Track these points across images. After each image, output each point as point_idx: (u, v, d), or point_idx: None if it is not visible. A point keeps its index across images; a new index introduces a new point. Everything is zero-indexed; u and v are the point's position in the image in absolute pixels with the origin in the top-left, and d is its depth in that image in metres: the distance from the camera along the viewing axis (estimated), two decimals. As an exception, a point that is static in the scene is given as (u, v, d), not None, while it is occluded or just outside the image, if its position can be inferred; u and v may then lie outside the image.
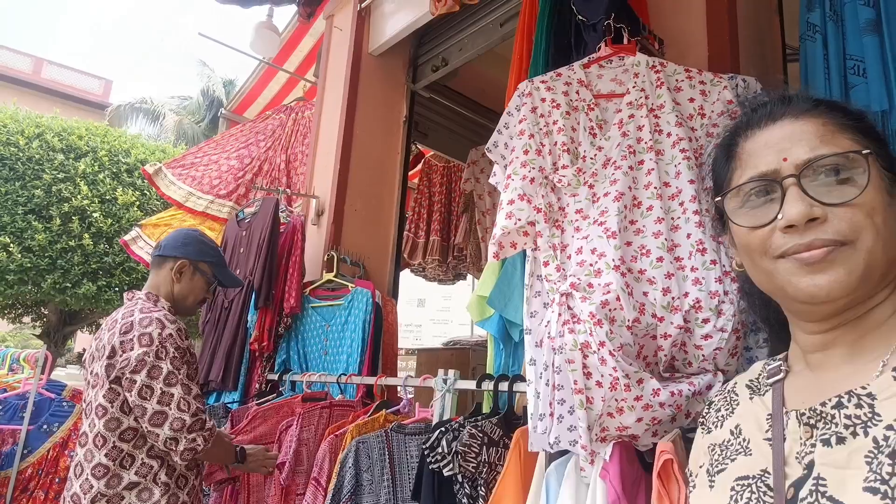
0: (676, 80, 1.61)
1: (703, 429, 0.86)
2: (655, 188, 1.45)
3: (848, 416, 0.62)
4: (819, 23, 1.65)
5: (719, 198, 0.74)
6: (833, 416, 0.63)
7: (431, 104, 4.27)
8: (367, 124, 3.61)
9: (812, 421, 0.66)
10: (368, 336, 2.96)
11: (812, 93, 0.73)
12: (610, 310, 1.32)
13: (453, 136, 4.69)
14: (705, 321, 1.33)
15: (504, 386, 1.83)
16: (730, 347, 1.35)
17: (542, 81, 1.67)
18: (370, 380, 2.44)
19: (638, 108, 1.57)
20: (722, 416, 0.82)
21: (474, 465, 1.69)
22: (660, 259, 1.37)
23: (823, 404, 0.65)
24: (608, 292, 1.33)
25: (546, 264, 1.45)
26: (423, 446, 1.81)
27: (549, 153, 1.57)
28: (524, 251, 1.53)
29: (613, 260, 1.35)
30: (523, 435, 1.59)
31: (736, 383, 0.86)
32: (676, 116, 1.54)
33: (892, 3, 1.55)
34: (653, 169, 1.48)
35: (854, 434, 0.60)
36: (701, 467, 0.80)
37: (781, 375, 0.75)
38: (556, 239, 1.47)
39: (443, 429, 1.81)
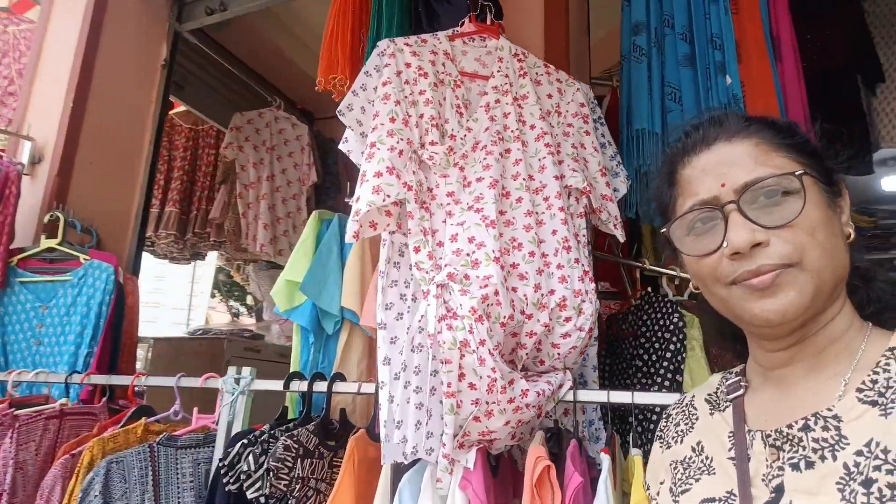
0: (536, 73, 1.59)
1: (661, 443, 0.84)
2: (524, 180, 1.39)
3: (815, 440, 0.62)
4: (645, 47, 1.81)
5: (664, 229, 0.74)
6: (800, 439, 0.63)
7: (196, 54, 3.65)
8: (114, 58, 2.88)
9: (778, 443, 0.66)
10: (106, 322, 2.34)
11: (742, 113, 0.75)
12: (488, 305, 1.21)
13: (214, 96, 4.09)
14: (567, 319, 1.32)
15: (321, 387, 1.57)
16: (581, 346, 1.36)
17: (407, 44, 1.49)
18: (123, 379, 1.91)
19: (503, 94, 1.50)
20: (681, 430, 0.81)
21: (287, 482, 1.42)
22: (531, 254, 1.31)
23: (790, 426, 0.65)
24: (486, 286, 1.22)
25: (417, 250, 1.27)
26: (220, 463, 1.46)
27: (416, 125, 1.39)
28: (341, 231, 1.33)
29: (493, 251, 1.25)
30: (358, 444, 1.39)
31: (694, 396, 0.84)
32: (539, 109, 1.51)
33: (702, 42, 1.77)
34: (520, 160, 1.42)
35: (822, 458, 0.61)
36: (662, 484, 0.79)
37: (741, 392, 0.75)
38: (427, 222, 1.31)
39: (245, 441, 1.48)
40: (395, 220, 1.31)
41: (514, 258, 1.31)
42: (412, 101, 1.41)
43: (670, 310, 1.64)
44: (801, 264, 0.63)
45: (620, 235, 1.48)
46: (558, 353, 1.33)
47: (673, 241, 0.73)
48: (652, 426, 1.54)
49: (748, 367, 0.79)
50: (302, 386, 1.60)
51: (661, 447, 0.84)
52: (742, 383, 0.77)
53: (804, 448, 0.63)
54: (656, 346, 1.63)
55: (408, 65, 1.45)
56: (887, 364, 0.63)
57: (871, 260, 0.75)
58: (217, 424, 1.72)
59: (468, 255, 1.25)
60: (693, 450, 0.77)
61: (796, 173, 0.65)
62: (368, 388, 1.48)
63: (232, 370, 1.73)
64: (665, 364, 1.56)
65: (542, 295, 1.29)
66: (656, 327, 1.64)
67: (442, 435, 1.22)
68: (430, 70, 1.46)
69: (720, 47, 1.74)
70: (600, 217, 1.48)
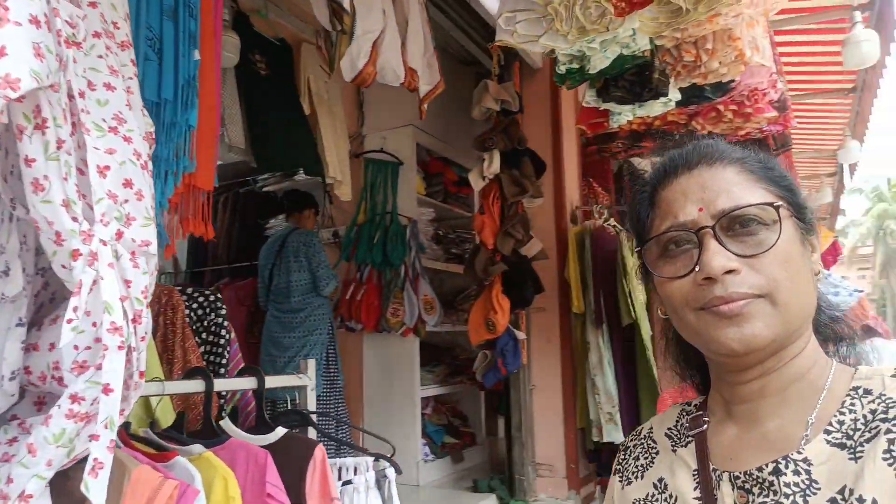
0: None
1: (620, 478, 0.81)
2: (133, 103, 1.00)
3: (787, 484, 0.61)
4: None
5: (639, 248, 0.73)
6: (771, 483, 0.63)
7: None
8: None
9: (747, 485, 0.65)
10: None
11: (723, 141, 0.75)
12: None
13: None
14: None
15: None
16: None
17: None
18: None
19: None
20: (641, 465, 0.79)
21: None
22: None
23: (760, 469, 0.64)
24: (136, 254, 0.86)
25: (66, 178, 0.72)
26: None
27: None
28: None
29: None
30: None
31: (652, 429, 0.82)
32: (122, 2, 1.09)
33: (181, 4, 1.66)
34: (117, 70, 1.00)
35: (794, 503, 0.60)
36: None
37: (704, 427, 0.74)
38: (61, 131, 0.75)
39: None
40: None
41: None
42: None
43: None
44: (771, 296, 0.63)
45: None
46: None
47: (647, 261, 0.72)
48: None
49: (710, 401, 0.77)
50: None
51: (620, 482, 0.81)
52: (704, 418, 0.74)
53: (776, 493, 0.62)
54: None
55: None
56: (853, 404, 0.64)
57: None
58: None
59: (122, 203, 0.83)
60: (655, 487, 0.74)
61: (774, 204, 0.65)
62: None
63: None
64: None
65: (142, 267, 1.00)
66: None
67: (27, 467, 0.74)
68: None
69: (195, 16, 1.70)
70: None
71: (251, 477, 1.20)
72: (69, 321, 0.72)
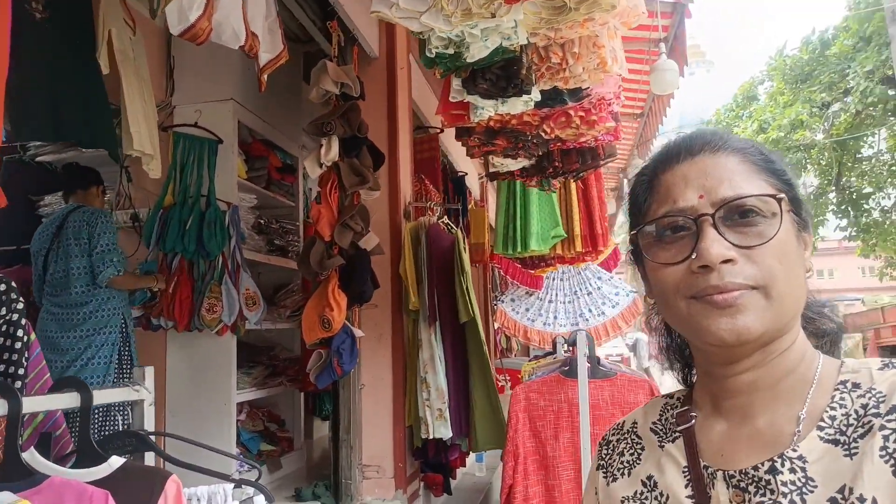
0: None
1: (604, 474, 0.79)
2: None
3: (784, 483, 0.61)
4: None
5: (634, 231, 0.72)
6: (768, 482, 0.62)
7: None
8: None
9: (743, 484, 0.64)
10: None
11: (727, 131, 0.75)
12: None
13: None
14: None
15: None
16: None
17: None
18: None
19: None
20: (626, 461, 0.77)
21: None
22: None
23: (756, 468, 0.64)
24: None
25: None
26: None
27: None
28: None
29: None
30: None
31: (636, 423, 0.80)
32: None
33: None
34: None
35: (792, 502, 0.60)
36: None
37: (692, 423, 0.72)
38: None
39: None
40: None
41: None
42: None
43: None
44: (765, 289, 0.62)
45: None
46: None
47: (641, 245, 0.70)
48: None
49: (696, 394, 0.76)
50: None
51: (605, 478, 0.79)
52: (692, 413, 0.73)
53: (773, 492, 0.61)
54: None
55: None
56: (842, 398, 0.64)
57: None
58: None
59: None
60: (643, 484, 0.73)
61: (777, 196, 0.65)
62: None
63: None
64: None
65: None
66: None
67: None
68: None
69: None
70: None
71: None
72: None
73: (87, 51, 2.69)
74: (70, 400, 1.03)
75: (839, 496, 0.58)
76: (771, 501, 0.61)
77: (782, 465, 0.62)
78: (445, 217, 3.69)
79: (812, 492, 0.59)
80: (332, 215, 2.98)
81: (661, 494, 0.71)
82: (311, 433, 4.79)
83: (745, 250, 0.63)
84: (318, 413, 4.85)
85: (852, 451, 0.60)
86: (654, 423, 0.78)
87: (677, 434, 0.73)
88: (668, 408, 0.78)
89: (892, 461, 0.58)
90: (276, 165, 3.98)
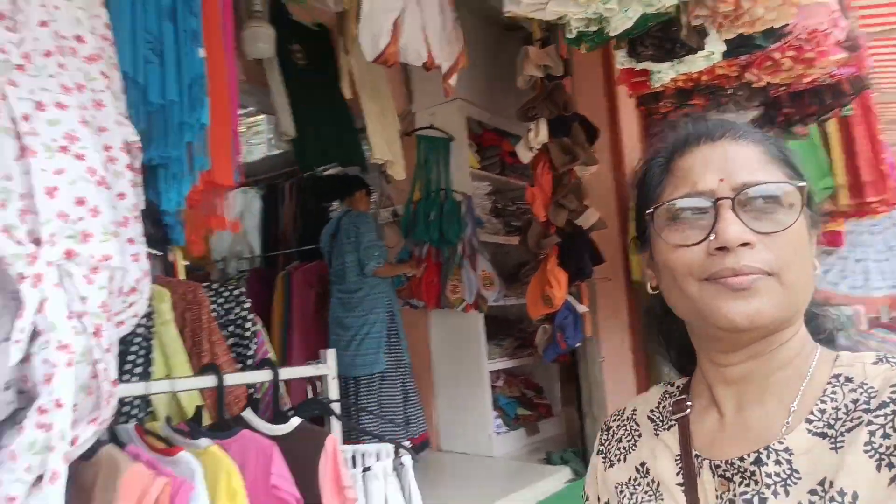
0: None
1: (603, 459, 0.81)
2: (92, 116, 1.03)
3: (769, 475, 0.62)
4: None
5: (650, 210, 0.70)
6: (753, 473, 0.63)
7: None
8: None
9: (728, 474, 0.65)
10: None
11: (749, 124, 0.75)
12: (109, 293, 0.90)
13: None
14: (131, 304, 1.10)
15: None
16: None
17: None
18: None
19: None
20: (624, 448, 0.79)
21: None
22: (117, 224, 1.01)
23: (742, 459, 0.64)
24: (97, 270, 0.90)
25: (3, 205, 0.76)
26: None
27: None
28: None
29: (111, 222, 0.91)
30: None
31: (635, 410, 0.82)
32: (86, 15, 1.12)
33: (180, 1, 1.69)
34: (83, 85, 1.03)
35: (775, 493, 0.60)
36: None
37: (687, 412, 0.73)
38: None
39: None
40: None
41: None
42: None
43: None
44: (780, 276, 0.62)
45: (140, 200, 1.30)
46: (103, 344, 1.09)
47: (654, 226, 0.69)
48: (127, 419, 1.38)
49: (693, 384, 0.77)
50: None
51: (603, 463, 0.81)
52: (688, 402, 0.74)
53: (757, 483, 0.62)
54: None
55: None
56: (833, 392, 0.64)
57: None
58: None
59: (76, 221, 0.86)
60: (637, 471, 0.75)
61: (798, 185, 0.65)
62: None
63: None
64: (136, 345, 1.43)
65: (123, 275, 1.04)
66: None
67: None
68: None
69: (196, 14, 1.73)
70: (137, 178, 1.25)
71: (260, 468, 1.23)
72: (17, 341, 0.76)
73: (333, 83, 3.30)
74: (263, 376, 1.41)
75: (819, 488, 0.58)
76: (754, 492, 0.62)
77: (767, 457, 0.62)
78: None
79: (796, 484, 0.60)
80: (545, 196, 3.07)
81: (653, 482, 0.72)
82: (573, 401, 4.96)
83: (763, 236, 0.63)
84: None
85: (838, 444, 0.60)
86: (651, 410, 0.79)
87: (672, 422, 0.74)
88: (667, 395, 0.79)
89: (876, 456, 0.57)
90: (509, 150, 4.20)
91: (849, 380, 0.64)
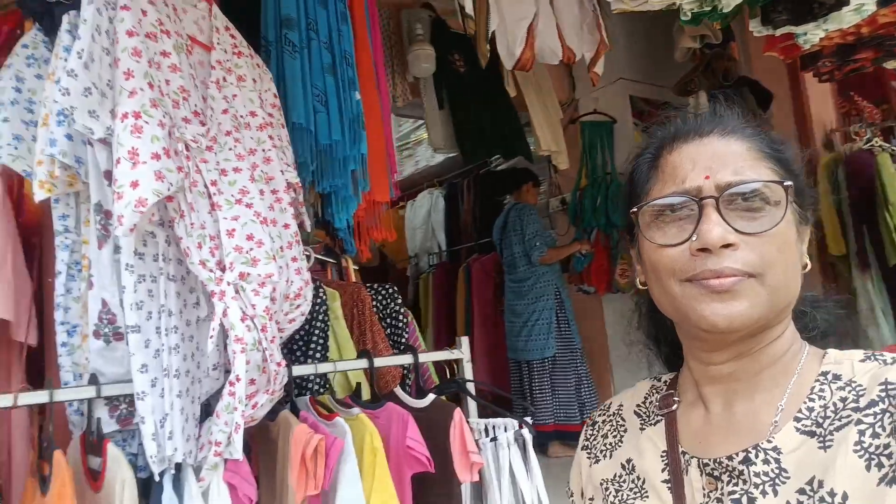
0: (243, 52, 1.55)
1: (588, 454, 0.81)
2: (262, 172, 1.42)
3: (757, 474, 0.61)
4: (297, 43, 1.96)
5: (634, 209, 0.70)
6: (741, 472, 0.62)
7: None
8: None
9: (716, 472, 0.64)
10: None
11: (739, 115, 0.72)
12: (272, 301, 1.27)
13: None
14: (298, 307, 1.47)
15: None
16: (293, 329, 1.54)
17: (138, -16, 1.21)
18: None
19: (227, 73, 1.43)
20: (610, 444, 0.79)
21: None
22: (281, 248, 1.39)
23: (730, 458, 0.63)
24: (265, 284, 1.27)
25: (200, 247, 1.16)
26: None
27: (165, 94, 1.20)
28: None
29: (271, 249, 1.28)
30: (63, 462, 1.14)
31: (622, 405, 0.81)
32: (257, 96, 1.52)
33: (339, 56, 2.07)
34: (255, 150, 1.43)
35: (764, 493, 0.60)
36: (591, 501, 0.79)
37: (674, 407, 0.73)
38: (195, 215, 1.19)
39: None
40: (173, 207, 1.14)
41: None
42: (156, 63, 1.20)
43: (314, 285, 1.93)
44: (762, 278, 0.61)
45: (309, 224, 1.69)
46: (282, 336, 1.48)
47: (639, 224, 0.69)
48: (308, 392, 1.81)
49: (680, 379, 0.76)
50: None
51: (588, 459, 0.80)
52: (675, 398, 0.74)
53: (745, 482, 0.62)
54: (305, 319, 1.88)
55: (144, 12, 1.20)
56: (821, 390, 0.63)
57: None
58: None
59: (247, 252, 1.24)
60: (623, 467, 0.74)
61: (784, 184, 0.63)
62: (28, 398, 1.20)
63: None
64: (317, 335, 1.86)
65: (289, 286, 1.41)
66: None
67: (209, 433, 1.21)
68: (171, 28, 1.25)
69: (351, 64, 2.09)
70: (299, 209, 1.64)
71: (400, 433, 1.54)
72: (210, 337, 1.15)
73: (496, 83, 3.52)
74: (404, 359, 1.72)
75: (808, 487, 0.57)
76: (742, 491, 0.61)
77: (756, 456, 0.61)
78: (879, 138, 3.01)
79: (784, 483, 0.59)
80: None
81: (638, 478, 0.71)
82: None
83: (746, 236, 0.61)
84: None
85: (827, 443, 0.59)
86: (638, 405, 0.79)
87: (659, 418, 0.74)
88: (654, 391, 0.78)
89: (866, 456, 0.56)
90: (681, 125, 4.03)
91: (837, 377, 0.63)
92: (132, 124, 1.08)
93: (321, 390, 1.79)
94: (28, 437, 1.43)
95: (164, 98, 1.17)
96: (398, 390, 1.74)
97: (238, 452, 1.22)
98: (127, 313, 1.13)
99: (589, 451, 0.81)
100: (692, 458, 0.67)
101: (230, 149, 1.34)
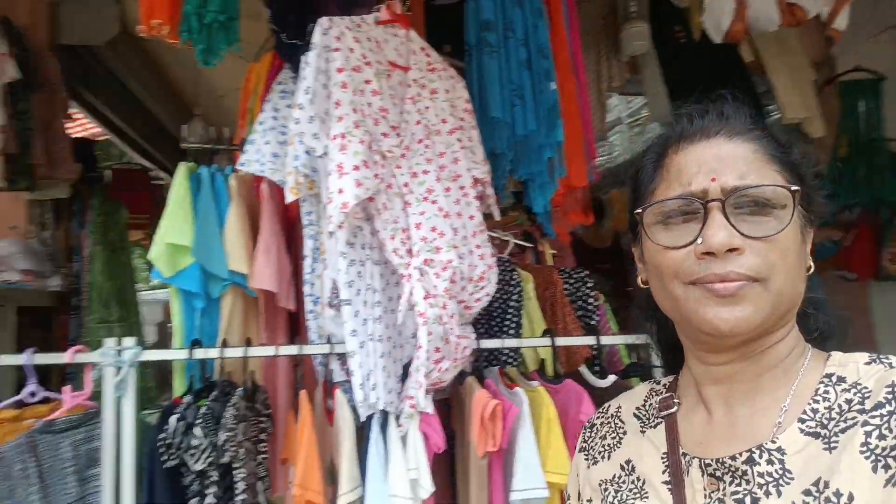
0: (437, 68, 1.80)
1: (586, 456, 0.81)
2: (449, 172, 1.65)
3: (761, 474, 0.61)
4: (495, 45, 2.15)
5: (639, 210, 0.69)
6: (745, 472, 0.62)
7: None
8: None
9: (718, 473, 0.64)
10: None
11: (747, 115, 0.71)
12: (453, 284, 1.49)
13: None
14: (482, 288, 1.68)
15: (237, 352, 1.60)
16: (480, 307, 1.75)
17: (348, 27, 1.53)
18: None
19: (422, 88, 1.69)
20: (608, 445, 0.78)
21: (234, 451, 1.48)
22: (465, 238, 1.61)
23: (734, 458, 0.63)
24: (447, 269, 1.50)
25: (393, 238, 1.45)
26: (160, 442, 1.42)
27: (368, 115, 1.50)
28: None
29: (452, 239, 1.51)
30: (305, 400, 1.53)
31: (620, 408, 0.81)
32: (449, 105, 1.75)
33: (534, 50, 2.20)
34: (444, 153, 1.66)
35: (767, 493, 0.60)
36: (589, 502, 0.78)
37: (674, 409, 0.73)
38: (391, 212, 1.47)
39: (179, 414, 1.46)
40: (373, 208, 1.45)
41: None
42: (360, 90, 1.50)
43: (509, 268, 2.13)
44: (766, 283, 0.61)
45: (497, 214, 1.88)
46: (469, 315, 1.70)
47: (643, 225, 0.69)
48: (500, 364, 2.03)
49: (681, 381, 0.76)
50: (212, 353, 1.61)
51: (586, 461, 0.80)
52: (675, 400, 0.74)
53: (748, 482, 0.61)
54: (501, 299, 2.10)
55: (351, 50, 1.51)
56: (826, 392, 0.63)
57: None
58: (95, 402, 1.58)
59: (431, 241, 1.49)
60: (622, 468, 0.74)
61: (791, 189, 0.63)
62: (257, 351, 1.62)
63: (110, 342, 1.58)
64: (511, 314, 2.06)
65: (472, 270, 1.62)
66: (500, 283, 2.11)
67: (406, 389, 1.49)
68: (373, 58, 1.55)
69: (547, 56, 2.19)
70: (486, 201, 1.84)
71: (575, 408, 1.65)
72: (400, 311, 1.42)
73: (727, 49, 3.24)
74: (586, 341, 1.80)
75: (814, 488, 0.57)
76: (746, 492, 0.61)
77: (760, 457, 0.61)
78: None
79: (788, 484, 0.59)
80: None
81: (638, 479, 0.71)
82: None
83: (752, 241, 0.61)
84: None
85: (832, 445, 0.59)
86: (637, 408, 0.78)
87: (659, 420, 0.74)
88: (654, 393, 0.78)
89: (873, 457, 0.56)
90: None
91: (841, 379, 0.63)
92: (339, 143, 1.40)
93: (513, 363, 1.97)
94: (288, 380, 1.91)
95: (365, 119, 1.47)
96: (583, 369, 1.84)
97: (428, 406, 1.48)
98: (342, 289, 1.47)
99: (587, 452, 0.81)
100: (693, 458, 0.67)
101: (421, 154, 1.59)
